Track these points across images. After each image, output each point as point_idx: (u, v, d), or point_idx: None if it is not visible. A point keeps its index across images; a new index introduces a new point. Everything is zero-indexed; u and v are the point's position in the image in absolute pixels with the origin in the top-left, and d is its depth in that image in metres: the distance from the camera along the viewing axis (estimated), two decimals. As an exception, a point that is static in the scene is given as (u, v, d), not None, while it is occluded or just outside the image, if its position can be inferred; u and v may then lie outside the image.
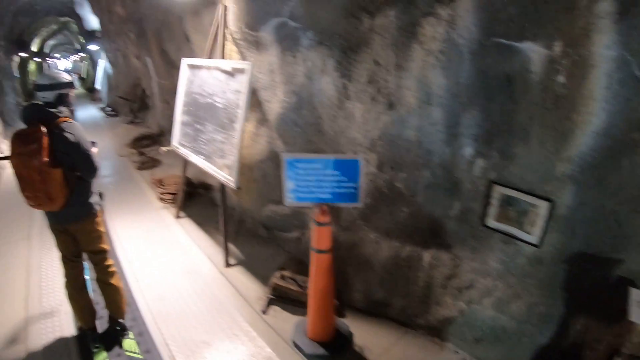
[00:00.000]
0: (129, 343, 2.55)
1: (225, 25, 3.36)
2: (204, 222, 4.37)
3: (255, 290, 3.17)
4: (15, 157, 1.97)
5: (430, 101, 2.16)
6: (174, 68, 5.89)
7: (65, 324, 2.72)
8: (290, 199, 2.38)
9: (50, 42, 21.97)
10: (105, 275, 2.44)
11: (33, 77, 19.98)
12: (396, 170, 2.49)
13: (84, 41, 17.14)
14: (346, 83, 2.50)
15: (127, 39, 8.50)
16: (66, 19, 16.81)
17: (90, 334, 2.48)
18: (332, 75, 2.56)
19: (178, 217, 4.51)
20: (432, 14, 1.99)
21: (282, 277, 3.03)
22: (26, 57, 15.66)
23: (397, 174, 2.49)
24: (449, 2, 1.91)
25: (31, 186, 2.01)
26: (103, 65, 12.72)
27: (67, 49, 27.97)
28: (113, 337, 2.55)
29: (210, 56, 3.65)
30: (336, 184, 2.31)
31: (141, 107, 9.76)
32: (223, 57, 3.41)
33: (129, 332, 2.62)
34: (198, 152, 3.71)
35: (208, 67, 3.55)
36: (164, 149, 4.44)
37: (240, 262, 3.59)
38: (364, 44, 2.33)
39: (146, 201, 5.06)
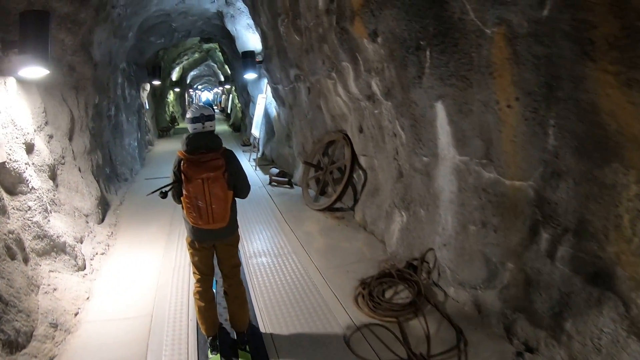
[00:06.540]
0: (244, 355, 2.56)
1: None
2: None
3: None
4: (196, 182, 2.20)
5: None
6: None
7: (188, 329, 2.83)
8: None
9: (192, 73, 20.68)
10: (236, 289, 2.58)
11: (172, 109, 18.63)
12: None
13: (229, 72, 14.42)
14: None
15: (335, 61, 3.95)
16: (210, 45, 14.38)
17: (211, 341, 2.60)
18: None
19: None
20: None
21: None
22: (162, 87, 13.44)
23: None
24: None
25: (216, 207, 2.25)
26: (263, 102, 8.09)
27: (208, 81, 27.22)
28: (232, 346, 2.66)
29: None
30: None
31: (346, 185, 4.84)
32: None
33: (247, 345, 2.64)
34: None
35: None
36: None
37: None
38: None
39: None
